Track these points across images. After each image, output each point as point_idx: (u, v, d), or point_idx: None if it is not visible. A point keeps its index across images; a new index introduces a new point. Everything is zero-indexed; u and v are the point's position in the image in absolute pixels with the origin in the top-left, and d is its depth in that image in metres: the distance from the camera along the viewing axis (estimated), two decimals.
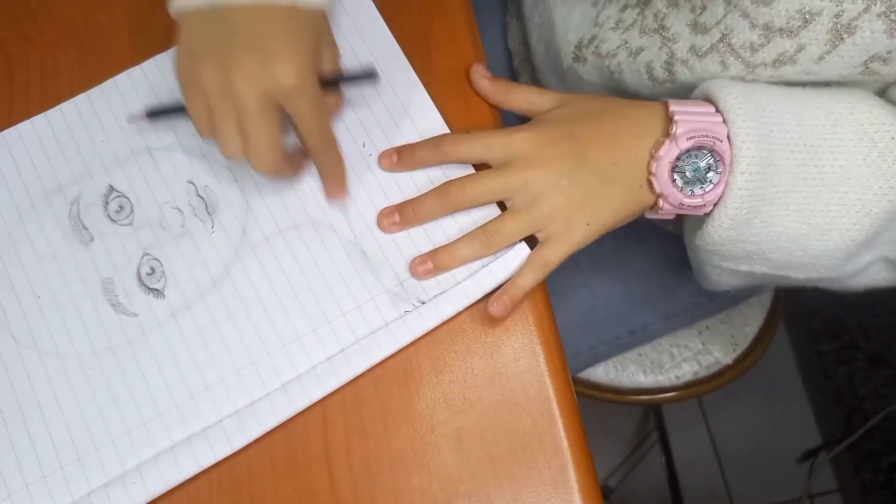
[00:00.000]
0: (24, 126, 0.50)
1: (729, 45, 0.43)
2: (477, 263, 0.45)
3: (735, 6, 0.42)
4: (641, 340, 0.74)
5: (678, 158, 0.42)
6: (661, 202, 0.44)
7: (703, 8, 0.44)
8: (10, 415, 0.44)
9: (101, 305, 0.46)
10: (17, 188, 0.49)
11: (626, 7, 0.51)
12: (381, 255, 0.46)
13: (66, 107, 0.50)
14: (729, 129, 0.41)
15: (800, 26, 0.40)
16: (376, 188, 0.47)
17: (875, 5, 0.38)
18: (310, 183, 0.48)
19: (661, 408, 1.28)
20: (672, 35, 0.46)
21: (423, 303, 0.45)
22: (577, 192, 0.43)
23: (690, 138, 0.42)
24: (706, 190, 0.42)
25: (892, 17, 0.38)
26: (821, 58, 0.41)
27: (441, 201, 0.45)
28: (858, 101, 0.42)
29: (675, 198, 0.43)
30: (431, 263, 0.45)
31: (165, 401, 0.44)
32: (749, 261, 0.45)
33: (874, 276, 0.48)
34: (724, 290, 0.52)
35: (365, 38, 0.50)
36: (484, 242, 0.44)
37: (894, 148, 0.41)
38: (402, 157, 0.47)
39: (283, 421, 0.43)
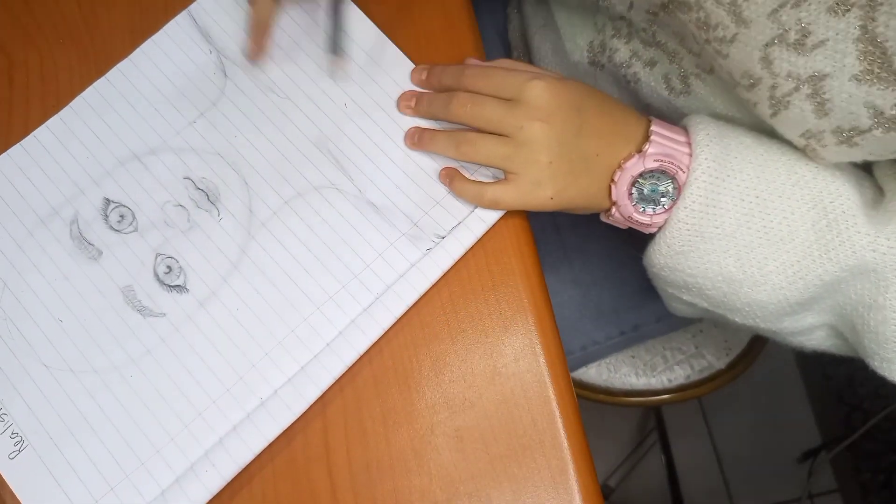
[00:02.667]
0: (2, 159, 0.50)
1: (719, 74, 0.44)
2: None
3: (704, 48, 0.43)
4: (633, 341, 0.74)
5: (641, 175, 0.43)
6: (613, 210, 0.45)
7: (682, 37, 0.45)
8: (61, 438, 0.44)
9: (127, 313, 0.46)
10: (9, 221, 0.48)
11: (612, 17, 0.52)
12: (389, 202, 0.47)
13: (41, 132, 0.50)
14: (690, 162, 0.43)
15: (749, 85, 0.41)
16: (364, 139, 0.48)
17: (804, 86, 0.38)
18: (302, 150, 0.48)
19: (661, 408, 1.28)
20: (672, 51, 0.47)
21: (443, 237, 0.46)
22: (561, 162, 0.44)
23: (657, 160, 0.43)
24: (656, 212, 0.44)
25: (818, 99, 0.38)
26: (770, 117, 0.42)
27: (445, 104, 0.47)
28: (825, 167, 0.42)
29: (626, 210, 0.44)
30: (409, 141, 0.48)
31: (215, 387, 0.44)
32: (689, 292, 0.46)
33: (822, 342, 0.48)
34: (682, 315, 0.53)
35: None
36: (456, 145, 0.46)
37: (843, 222, 0.41)
38: (431, 75, 0.49)
39: (339, 377, 0.44)
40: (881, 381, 0.44)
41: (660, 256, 0.45)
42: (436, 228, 0.46)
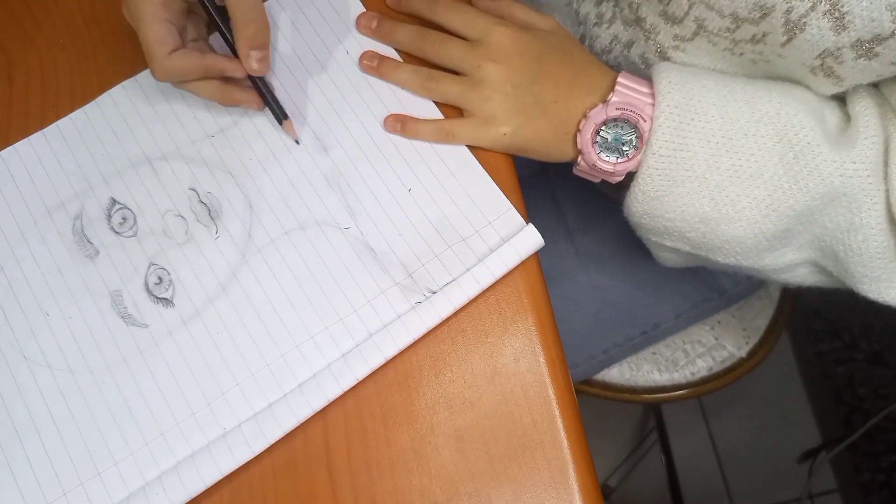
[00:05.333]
0: (22, 145, 0.50)
1: (707, 30, 0.45)
2: (486, 248, 0.45)
3: (693, 4, 0.44)
4: (654, 340, 0.74)
5: (604, 123, 0.45)
6: (580, 159, 0.47)
7: (668, 1, 0.46)
8: (26, 433, 0.44)
9: (111, 318, 0.46)
10: (18, 207, 0.49)
11: (601, 1, 0.52)
12: (389, 249, 0.46)
13: (63, 123, 0.50)
14: (653, 110, 0.44)
15: (760, 17, 0.41)
16: (377, 181, 0.47)
17: (821, 3, 0.39)
18: (312, 182, 0.48)
19: (661, 408, 1.28)
20: (650, 27, 0.48)
21: (434, 293, 0.45)
22: (514, 102, 0.46)
23: (619, 108, 0.44)
24: (618, 160, 0.45)
25: (836, 14, 0.38)
26: (783, 45, 0.42)
27: (416, 40, 0.48)
28: (789, 102, 0.43)
29: (590, 157, 0.46)
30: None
31: (182, 409, 0.44)
32: (670, 237, 0.47)
33: (805, 278, 0.49)
34: (671, 265, 0.54)
35: None
36: (420, 80, 0.48)
37: (808, 153, 0.42)
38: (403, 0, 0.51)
39: (303, 422, 0.43)
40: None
41: (637, 204, 0.46)
42: (429, 283, 0.45)
